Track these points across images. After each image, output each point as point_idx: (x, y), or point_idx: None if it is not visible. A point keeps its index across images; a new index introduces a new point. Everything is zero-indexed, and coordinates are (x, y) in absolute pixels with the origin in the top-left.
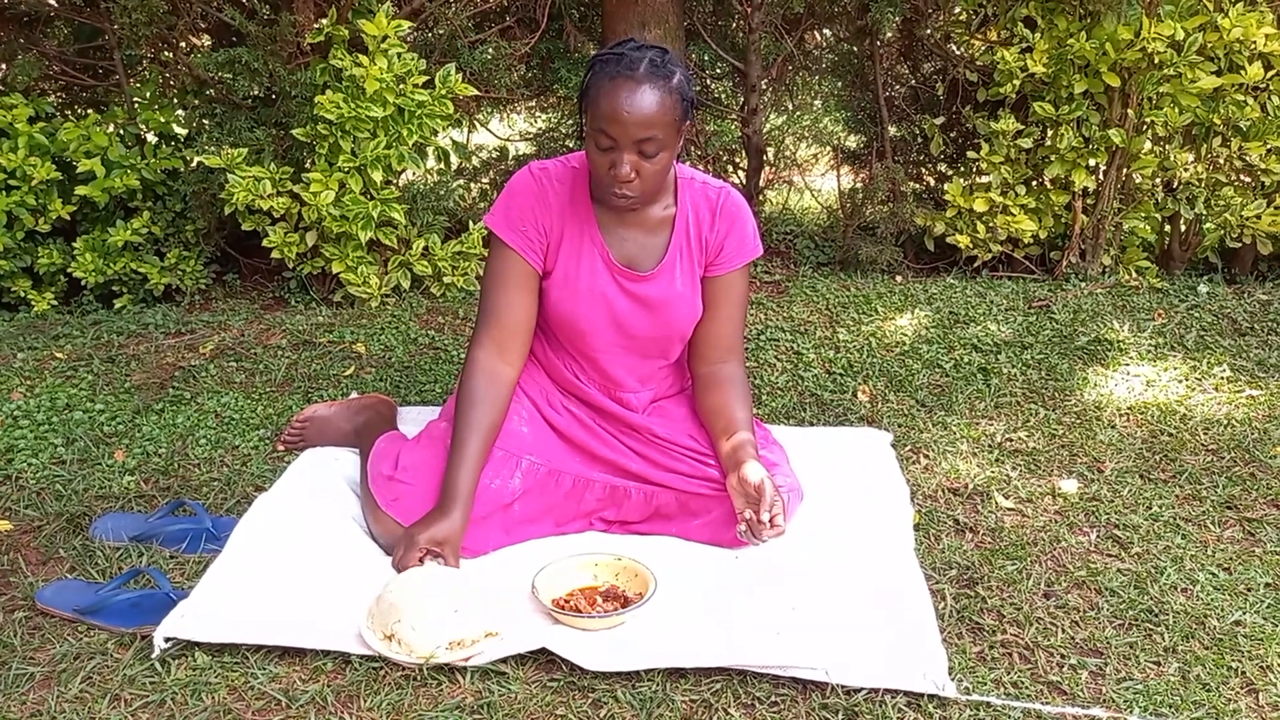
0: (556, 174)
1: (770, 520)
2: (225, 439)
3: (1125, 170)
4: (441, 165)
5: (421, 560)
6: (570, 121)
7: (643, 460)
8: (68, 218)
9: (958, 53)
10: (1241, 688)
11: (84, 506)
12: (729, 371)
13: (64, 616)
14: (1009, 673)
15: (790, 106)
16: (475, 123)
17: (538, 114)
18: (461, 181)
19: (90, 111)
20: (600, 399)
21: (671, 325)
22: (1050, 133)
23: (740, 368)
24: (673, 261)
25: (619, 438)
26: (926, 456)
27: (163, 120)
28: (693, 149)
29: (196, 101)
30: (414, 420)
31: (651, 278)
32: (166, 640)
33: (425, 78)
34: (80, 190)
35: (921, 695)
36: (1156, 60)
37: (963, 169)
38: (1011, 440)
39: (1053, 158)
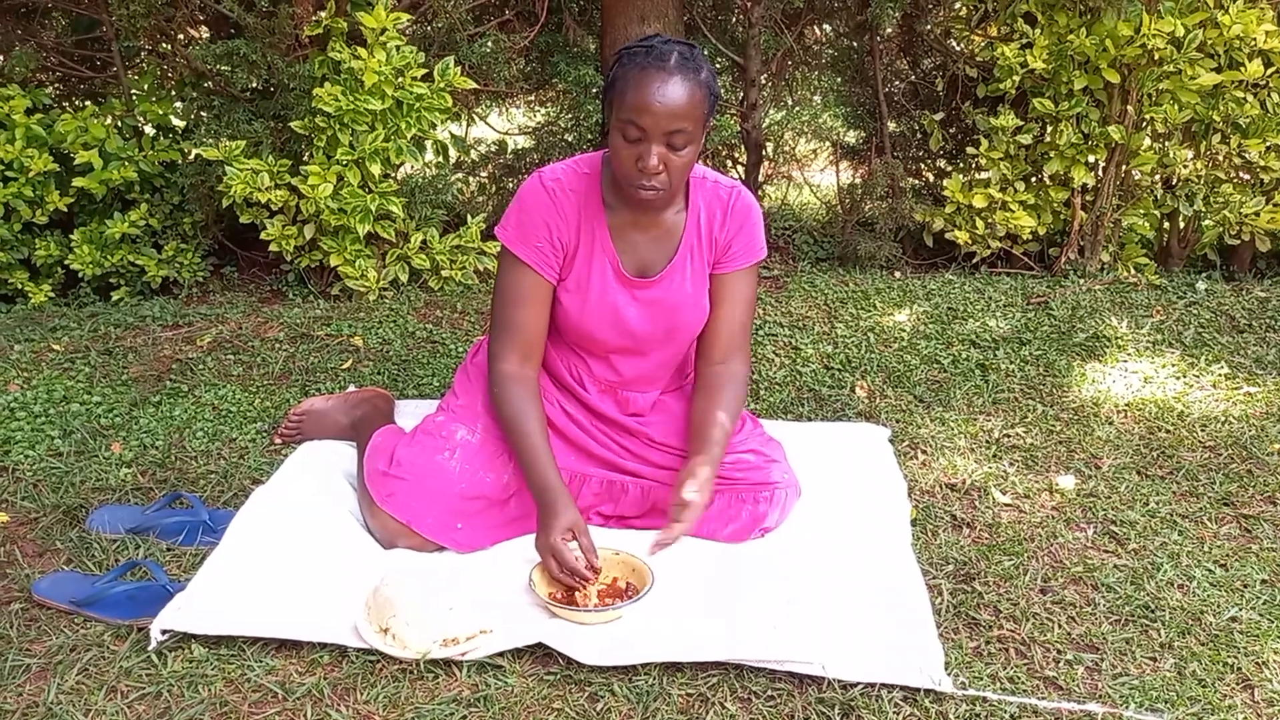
0: (569, 183)
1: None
2: (222, 432)
3: (1124, 167)
4: (440, 159)
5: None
6: (569, 115)
7: (638, 460)
8: (65, 209)
9: (957, 48)
10: (1237, 683)
11: (81, 498)
12: (730, 371)
13: (60, 608)
14: (1005, 668)
15: (790, 101)
16: (474, 116)
17: (537, 108)
18: (460, 175)
19: (88, 103)
20: (598, 403)
21: (680, 327)
22: (1050, 129)
23: (744, 366)
24: (682, 262)
25: (615, 439)
26: (924, 452)
27: (160, 112)
28: None
29: (194, 94)
30: (411, 414)
31: (660, 280)
32: (163, 632)
33: (424, 71)
34: (78, 182)
35: (918, 690)
36: (1156, 57)
37: (962, 165)
38: (1009, 436)
39: (1052, 154)
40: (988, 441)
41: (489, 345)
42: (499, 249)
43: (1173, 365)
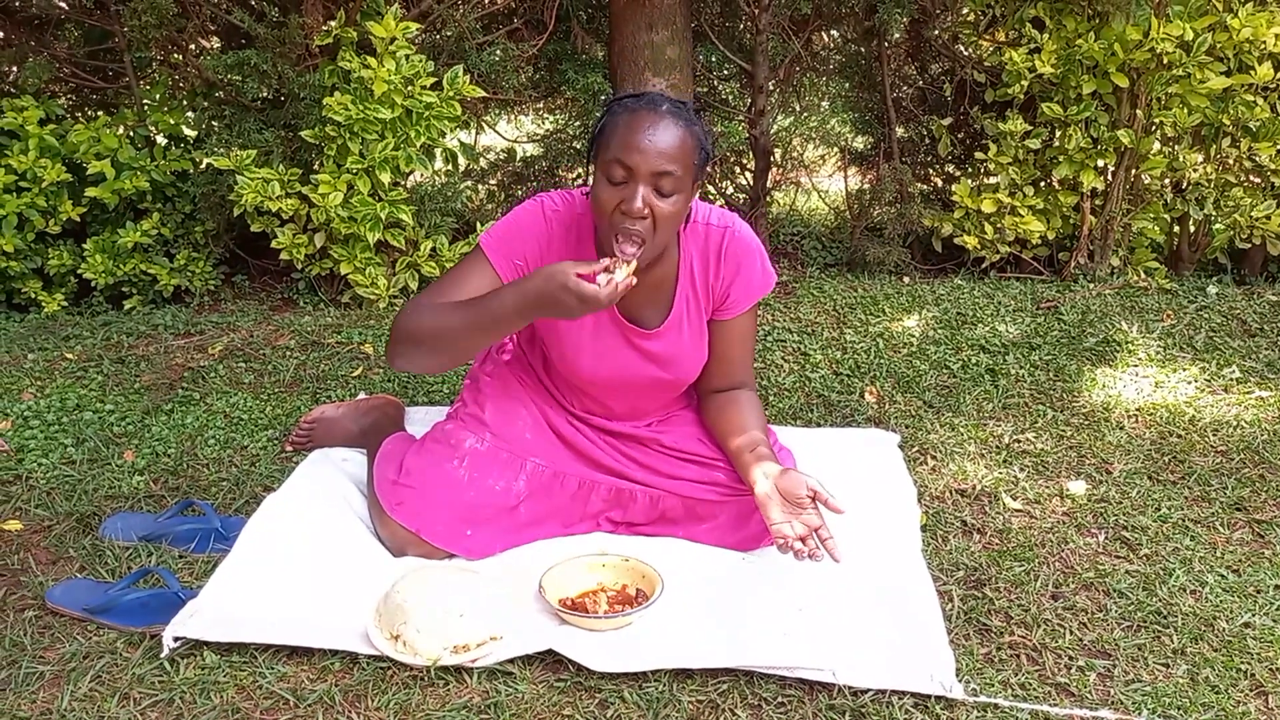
0: (565, 219)
1: (824, 541)
2: (234, 439)
3: (1134, 171)
4: (449, 167)
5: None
6: (577, 123)
7: (646, 470)
8: (78, 219)
9: (965, 53)
10: (1251, 690)
11: (94, 506)
12: (740, 393)
13: (74, 616)
14: (1017, 674)
15: (798, 108)
16: (483, 124)
17: (545, 116)
18: (469, 183)
19: (100, 113)
20: (600, 421)
21: (679, 376)
22: (1058, 133)
23: (752, 390)
24: (679, 317)
25: (622, 450)
26: (934, 457)
27: (172, 122)
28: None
29: (206, 103)
30: (421, 421)
31: (659, 334)
32: (175, 639)
33: (433, 79)
34: (90, 192)
35: (929, 696)
36: (1165, 61)
37: (970, 170)
38: (1019, 441)
39: (1061, 158)
40: (998, 447)
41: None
42: (472, 249)
43: (1184, 370)
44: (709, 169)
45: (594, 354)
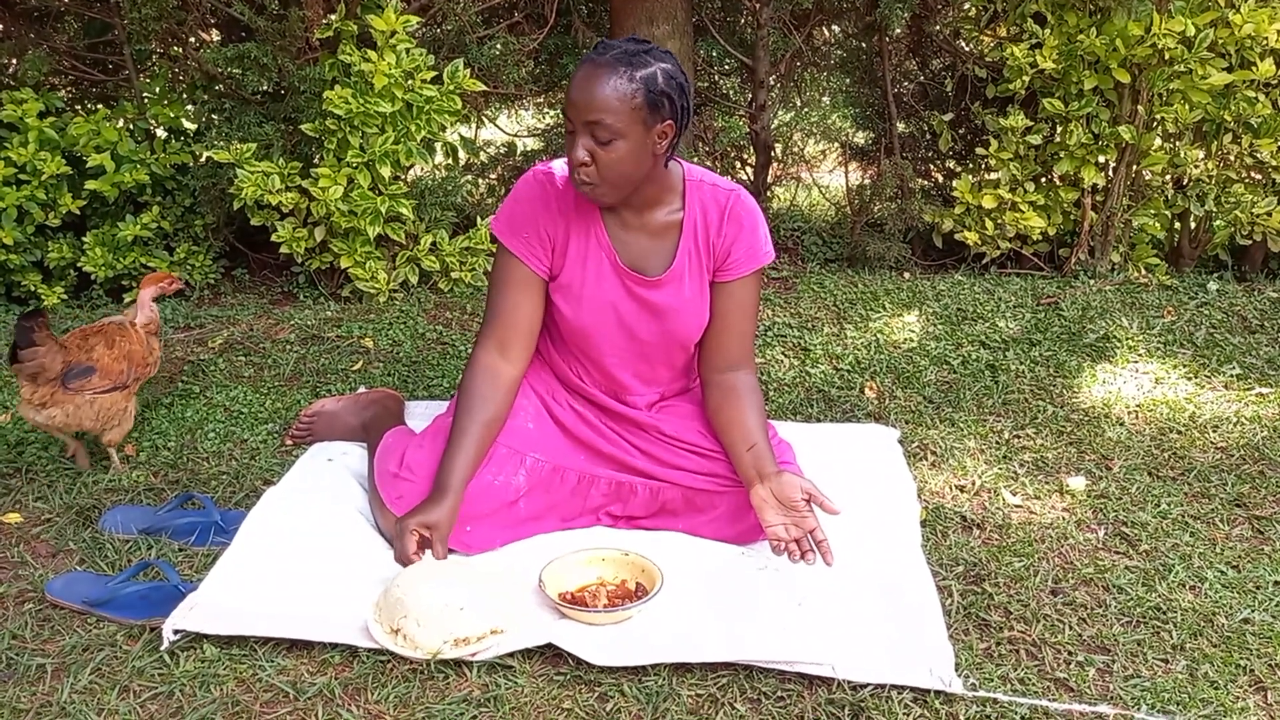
0: (557, 177)
1: (818, 544)
2: (234, 433)
3: (1135, 167)
4: (450, 161)
5: (419, 549)
6: None
7: (647, 458)
8: (78, 212)
9: (967, 49)
10: (1250, 686)
11: (93, 499)
12: (740, 380)
13: (74, 609)
14: (1016, 669)
15: (798, 103)
16: (483, 118)
17: (546, 110)
18: (469, 177)
19: (100, 106)
20: (605, 399)
21: (678, 332)
22: (1060, 129)
23: (752, 376)
24: (681, 268)
25: (624, 436)
26: (934, 453)
27: (172, 115)
28: (700, 145)
29: (206, 96)
30: (421, 415)
31: (660, 284)
32: (175, 632)
33: (434, 73)
34: (90, 185)
35: (928, 691)
36: (1167, 56)
37: (971, 165)
38: (1019, 437)
39: (1062, 154)
40: (998, 442)
41: (478, 332)
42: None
43: (1184, 366)
44: (689, 116)
45: (595, 304)
